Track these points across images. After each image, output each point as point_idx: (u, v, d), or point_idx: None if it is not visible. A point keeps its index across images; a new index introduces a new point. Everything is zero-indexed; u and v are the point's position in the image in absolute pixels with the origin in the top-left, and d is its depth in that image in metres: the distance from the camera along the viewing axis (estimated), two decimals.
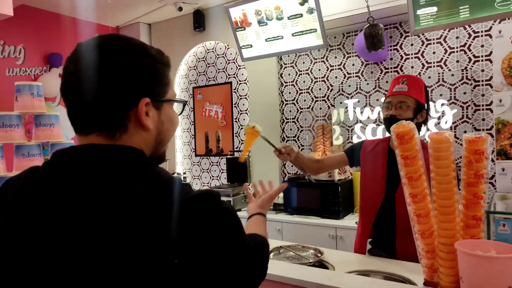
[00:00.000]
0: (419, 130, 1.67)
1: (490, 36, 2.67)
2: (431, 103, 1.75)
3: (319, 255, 1.68)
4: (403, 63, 3.04)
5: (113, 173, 0.64)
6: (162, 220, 0.60)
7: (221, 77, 4.05)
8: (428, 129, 2.74)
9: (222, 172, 4.07)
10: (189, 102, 4.25)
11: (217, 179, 4.12)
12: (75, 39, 4.03)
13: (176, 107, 0.82)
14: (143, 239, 0.58)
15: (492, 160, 2.56)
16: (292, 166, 3.59)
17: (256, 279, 0.78)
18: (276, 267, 1.46)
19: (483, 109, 2.72)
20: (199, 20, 3.94)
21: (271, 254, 1.72)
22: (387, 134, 1.76)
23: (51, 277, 0.60)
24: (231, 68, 3.97)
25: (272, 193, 1.21)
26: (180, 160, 4.38)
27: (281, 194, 3.32)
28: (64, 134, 2.96)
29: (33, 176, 0.69)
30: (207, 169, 4.19)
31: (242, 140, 3.93)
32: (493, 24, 2.64)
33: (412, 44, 3.00)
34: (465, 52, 2.79)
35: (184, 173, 4.32)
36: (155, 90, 0.73)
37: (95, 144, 0.68)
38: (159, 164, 0.76)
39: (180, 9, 3.70)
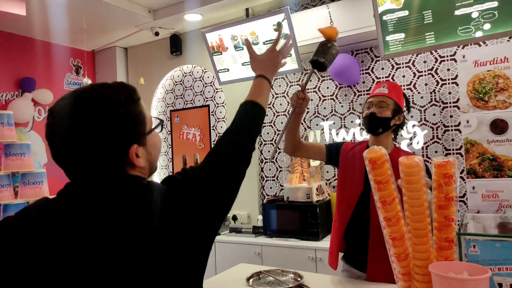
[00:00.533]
0: (396, 132, 1.80)
1: (455, 61, 2.81)
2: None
3: (299, 279, 1.68)
4: None
5: (115, 195, 0.75)
6: (154, 223, 0.72)
7: (199, 100, 4.06)
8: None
9: None
10: (167, 125, 4.23)
11: None
12: (49, 63, 3.98)
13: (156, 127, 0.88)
14: (143, 241, 0.70)
15: (463, 179, 2.65)
16: (271, 187, 3.60)
17: (244, 167, 0.98)
18: None
19: (452, 130, 2.84)
20: (176, 44, 3.98)
21: (250, 281, 1.70)
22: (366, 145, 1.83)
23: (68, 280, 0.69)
24: (209, 91, 4.00)
25: (270, 49, 1.26)
26: None
27: (260, 217, 3.31)
28: (36, 160, 2.87)
29: (49, 204, 0.77)
30: None
31: None
32: (457, 49, 2.79)
33: (382, 68, 3.12)
34: (433, 76, 2.92)
35: None
36: (138, 133, 0.78)
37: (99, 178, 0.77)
38: (154, 172, 0.90)
39: (157, 34, 3.71)
